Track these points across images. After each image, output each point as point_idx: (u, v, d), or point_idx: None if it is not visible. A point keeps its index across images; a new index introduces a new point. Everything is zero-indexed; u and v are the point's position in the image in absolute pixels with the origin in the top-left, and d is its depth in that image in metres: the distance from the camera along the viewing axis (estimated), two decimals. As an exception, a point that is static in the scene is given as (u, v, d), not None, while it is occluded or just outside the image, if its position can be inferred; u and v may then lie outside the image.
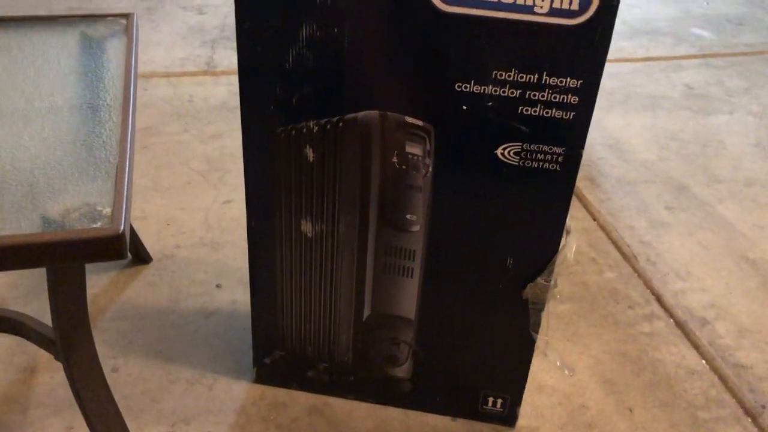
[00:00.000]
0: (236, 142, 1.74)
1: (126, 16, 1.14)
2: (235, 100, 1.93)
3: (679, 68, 2.33)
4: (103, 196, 0.73)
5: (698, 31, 2.62)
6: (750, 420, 1.13)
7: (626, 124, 1.97)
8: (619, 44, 2.48)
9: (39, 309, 1.23)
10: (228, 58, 2.19)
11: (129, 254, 1.35)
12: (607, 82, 2.20)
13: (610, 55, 2.49)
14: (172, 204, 1.52)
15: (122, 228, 0.69)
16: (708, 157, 1.83)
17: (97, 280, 1.31)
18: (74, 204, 0.72)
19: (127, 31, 1.10)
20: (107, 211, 0.71)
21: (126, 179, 0.75)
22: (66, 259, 0.68)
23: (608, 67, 2.30)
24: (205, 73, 2.10)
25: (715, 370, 1.21)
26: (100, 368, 0.87)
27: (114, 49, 1.04)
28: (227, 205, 1.52)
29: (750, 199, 1.67)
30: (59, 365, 0.93)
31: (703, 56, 2.42)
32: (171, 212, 1.50)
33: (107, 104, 0.90)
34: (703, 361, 1.23)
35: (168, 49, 2.23)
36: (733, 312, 1.34)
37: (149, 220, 1.47)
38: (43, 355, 1.15)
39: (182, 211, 1.50)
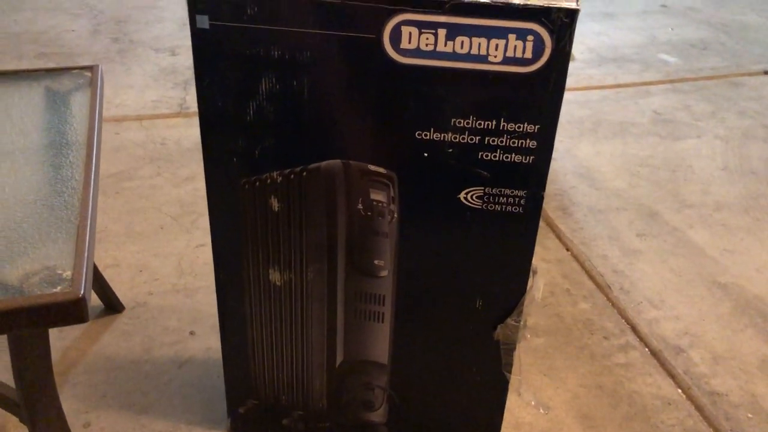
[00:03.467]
0: (209, 185, 1.74)
1: (91, 68, 1.15)
2: (208, 142, 1.93)
3: (647, 94, 2.37)
4: (64, 259, 0.72)
5: (665, 57, 2.67)
6: (727, 449, 1.13)
7: (596, 152, 2.00)
8: (587, 72, 2.52)
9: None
10: (200, 98, 2.19)
11: (102, 303, 1.35)
12: (576, 111, 2.23)
13: (580, 83, 2.53)
14: (145, 250, 1.51)
15: (82, 292, 0.68)
16: (677, 183, 1.86)
17: (69, 331, 1.30)
18: (34, 268, 0.71)
19: (92, 83, 1.10)
20: (68, 274, 0.70)
21: (87, 240, 0.75)
22: (25, 325, 0.67)
23: (578, 96, 2.34)
24: (177, 114, 2.11)
25: (691, 399, 1.21)
26: (68, 430, 0.85)
27: (78, 104, 1.04)
28: (200, 249, 1.52)
29: (720, 223, 1.69)
30: (27, 426, 0.91)
31: (670, 81, 2.47)
32: (144, 259, 1.49)
33: (69, 161, 0.90)
34: (679, 391, 1.23)
35: (140, 92, 2.23)
36: (706, 339, 1.35)
37: (121, 268, 1.46)
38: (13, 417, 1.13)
39: (155, 257, 1.49)
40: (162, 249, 1.52)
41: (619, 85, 2.43)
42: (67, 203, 0.81)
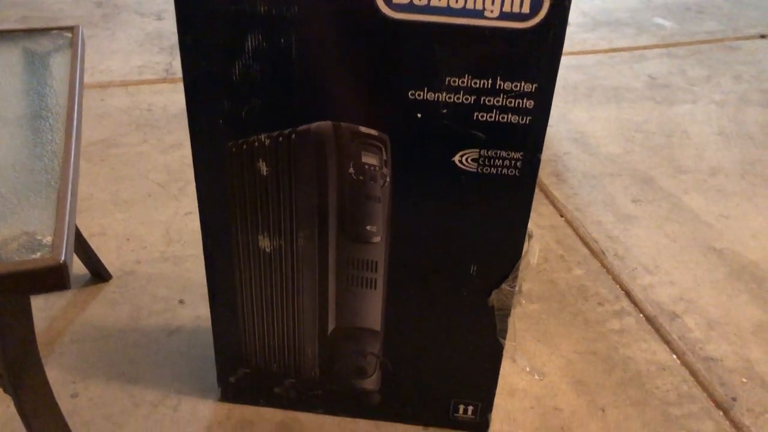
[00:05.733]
0: (197, 151, 1.70)
1: (71, 29, 1.10)
2: (196, 108, 1.89)
3: (642, 59, 2.34)
4: (44, 224, 0.70)
5: (660, 21, 2.63)
6: (721, 413, 1.13)
7: (591, 117, 1.97)
8: (582, 36, 2.48)
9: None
10: (187, 64, 2.14)
11: (88, 272, 1.32)
12: (571, 75, 2.20)
13: (574, 47, 2.49)
14: (132, 218, 1.48)
15: (63, 257, 0.65)
16: (672, 148, 1.84)
17: (55, 300, 1.27)
18: (12, 233, 0.69)
19: (73, 44, 1.06)
20: (48, 239, 0.68)
21: (68, 205, 0.72)
22: (4, 292, 0.65)
23: (572, 60, 2.30)
24: (164, 80, 2.06)
25: (685, 364, 1.21)
26: (53, 400, 0.83)
27: (58, 65, 1.01)
28: (189, 216, 1.49)
29: (715, 189, 1.68)
30: (12, 397, 0.89)
31: (665, 46, 2.43)
32: (131, 227, 1.46)
33: (50, 124, 0.86)
34: (674, 356, 1.22)
35: (125, 57, 2.18)
36: (701, 304, 1.34)
37: (108, 236, 1.43)
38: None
39: (142, 225, 1.46)
40: (149, 217, 1.49)
41: (613, 50, 2.39)
42: (47, 167, 0.78)
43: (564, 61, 2.33)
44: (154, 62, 2.15)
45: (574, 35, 2.47)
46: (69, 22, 2.38)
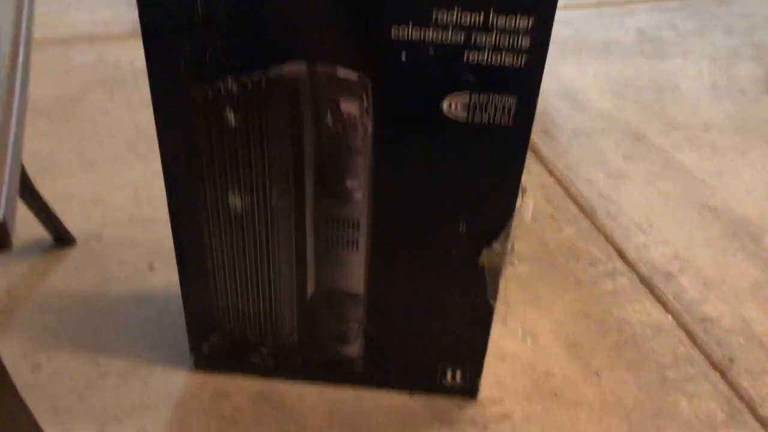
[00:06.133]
0: (167, 109, 1.61)
1: (19, -31, 1.00)
2: (166, 64, 1.79)
3: (632, 13, 2.26)
4: (-20, 179, 0.62)
5: (649, -26, 2.54)
6: (719, 375, 1.08)
7: (580, 73, 1.90)
8: (569, -10, 2.39)
9: (-51, 304, 1.11)
10: (157, 18, 2.03)
11: (50, 237, 1.24)
12: (560, 30, 2.11)
13: (562, 1, 2.40)
14: (98, 180, 1.40)
15: (1, 216, 0.58)
16: (664, 104, 1.77)
17: (15, 267, 1.19)
18: (-56, 190, 0.61)
19: (21, -14, 0.96)
20: (-16, 196, 0.60)
21: (8, 159, 0.64)
22: (-65, 256, 0.57)
23: (560, 15, 2.20)
24: (132, 35, 1.95)
25: (682, 325, 1.16)
26: (6, 374, 0.76)
27: (2, 8, 0.91)
28: (159, 178, 1.39)
29: (708, 145, 1.62)
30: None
31: (655, -1, 2.35)
32: (97, 189, 1.38)
33: (-9, 71, 0.77)
34: (670, 317, 1.18)
35: (90, 11, 2.06)
36: (697, 263, 1.29)
37: (73, 199, 1.35)
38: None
39: (109, 186, 1.38)
40: (117, 178, 1.40)
41: (602, 4, 2.31)
42: (-14, 117, 0.69)
43: (551, 15, 2.25)
44: (121, 16, 2.03)
45: (561, -12, 2.38)
46: (30, -25, 2.24)
